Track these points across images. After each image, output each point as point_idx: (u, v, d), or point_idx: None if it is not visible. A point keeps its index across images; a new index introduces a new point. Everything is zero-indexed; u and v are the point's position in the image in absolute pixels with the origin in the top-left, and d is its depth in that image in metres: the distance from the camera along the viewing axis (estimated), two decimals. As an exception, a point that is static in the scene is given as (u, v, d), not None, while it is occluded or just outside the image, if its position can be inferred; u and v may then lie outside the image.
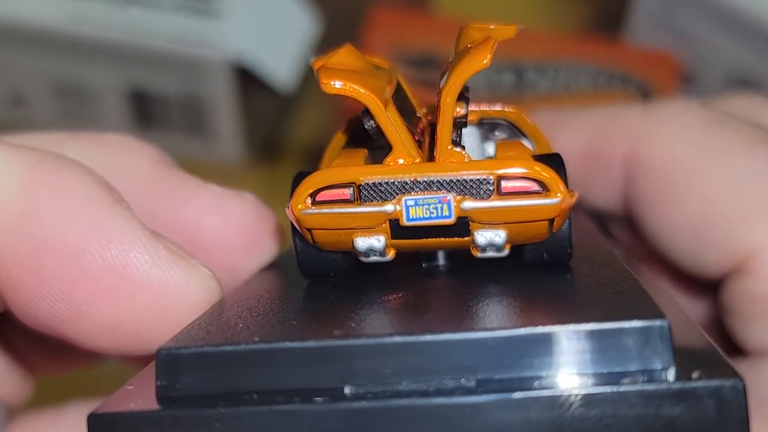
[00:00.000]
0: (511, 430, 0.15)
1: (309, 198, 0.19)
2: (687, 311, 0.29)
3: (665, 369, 0.16)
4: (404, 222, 0.19)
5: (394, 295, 0.20)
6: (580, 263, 0.20)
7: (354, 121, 0.22)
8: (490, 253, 0.19)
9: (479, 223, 0.19)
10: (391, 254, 0.20)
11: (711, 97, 0.30)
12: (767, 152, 0.25)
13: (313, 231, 0.20)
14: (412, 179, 0.19)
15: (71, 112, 0.56)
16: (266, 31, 0.52)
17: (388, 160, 0.19)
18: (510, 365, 0.16)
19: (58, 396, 0.28)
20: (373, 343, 0.16)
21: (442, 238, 0.19)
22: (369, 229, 0.19)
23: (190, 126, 0.55)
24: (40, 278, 0.20)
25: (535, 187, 0.19)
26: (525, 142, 0.22)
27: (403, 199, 0.19)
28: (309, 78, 0.56)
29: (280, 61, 0.53)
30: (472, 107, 0.22)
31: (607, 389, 0.15)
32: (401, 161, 0.19)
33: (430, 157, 0.20)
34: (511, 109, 0.23)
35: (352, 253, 0.20)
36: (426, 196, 0.19)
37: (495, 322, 0.17)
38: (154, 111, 0.55)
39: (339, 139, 0.23)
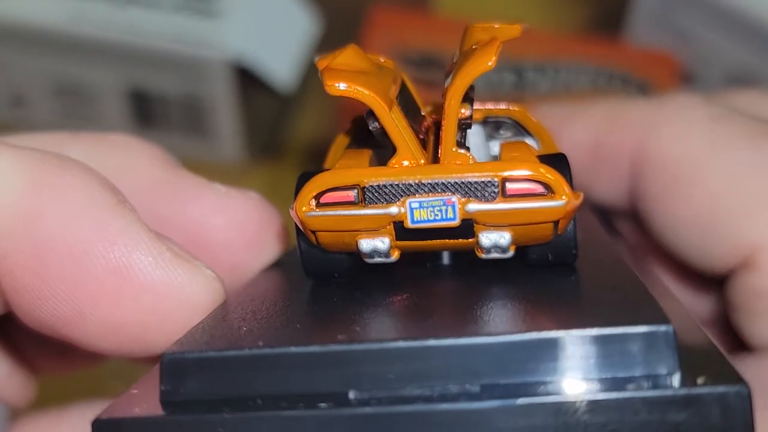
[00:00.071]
0: None
1: (313, 200, 0.19)
2: (692, 307, 0.29)
3: (670, 374, 0.16)
4: (409, 224, 0.19)
5: (399, 297, 0.20)
6: (584, 264, 0.20)
7: (358, 119, 0.22)
8: (495, 255, 0.19)
9: (484, 225, 0.19)
10: (395, 255, 0.20)
11: (715, 93, 0.30)
12: None
13: (318, 233, 0.20)
14: (417, 181, 0.19)
15: (71, 112, 0.56)
16: (266, 31, 0.52)
17: (392, 162, 0.19)
18: (514, 370, 0.16)
19: (61, 395, 0.28)
20: (378, 348, 0.16)
21: (447, 240, 0.19)
22: (373, 231, 0.19)
23: (190, 126, 0.55)
24: (43, 280, 0.20)
25: (540, 189, 0.19)
26: (530, 141, 0.22)
27: (408, 201, 0.19)
28: (309, 78, 0.56)
29: (280, 61, 0.53)
30: (477, 105, 0.22)
31: (612, 395, 0.15)
32: (406, 163, 0.19)
33: (435, 158, 0.20)
34: (515, 107, 0.23)
35: (356, 254, 0.20)
36: (431, 199, 0.19)
37: (499, 327, 0.17)
38: (154, 111, 0.55)
39: (343, 137, 0.23)
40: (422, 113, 0.22)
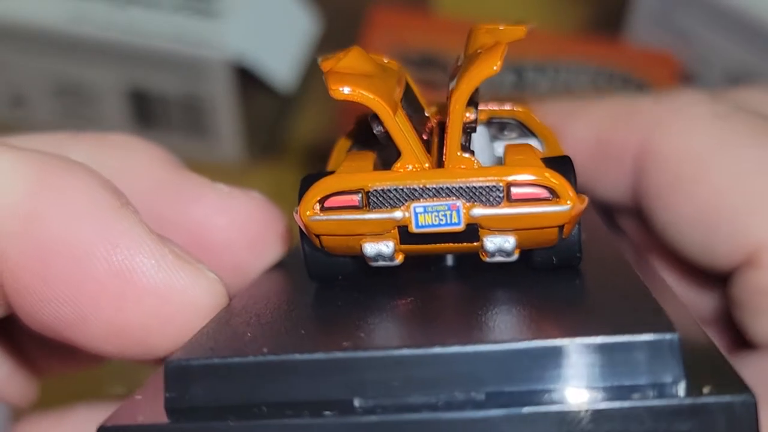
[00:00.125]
0: None
1: (317, 204, 0.19)
2: (695, 304, 0.29)
3: (675, 383, 0.16)
4: (413, 229, 0.19)
5: (403, 301, 0.20)
6: (589, 267, 0.20)
7: (362, 119, 0.22)
8: (499, 258, 0.19)
9: (488, 229, 0.19)
10: (399, 259, 0.20)
11: (719, 90, 0.30)
12: None
13: (322, 236, 0.19)
14: (421, 186, 0.19)
15: (71, 112, 0.56)
16: (266, 31, 0.52)
17: (396, 166, 0.19)
18: (519, 378, 0.16)
19: (61, 395, 0.27)
20: (383, 355, 0.16)
21: (451, 244, 0.19)
22: (378, 235, 0.19)
23: (190, 126, 0.55)
24: (45, 282, 0.19)
25: (545, 194, 0.18)
26: (534, 142, 0.22)
27: (412, 206, 0.19)
28: (309, 78, 0.56)
29: (280, 61, 0.52)
30: (481, 107, 0.22)
31: (617, 405, 0.15)
32: (410, 167, 0.19)
33: (439, 162, 0.20)
34: (520, 108, 0.23)
35: (360, 257, 0.20)
36: (435, 203, 0.19)
37: (504, 334, 0.17)
38: (154, 111, 0.55)
39: (346, 138, 0.22)
40: (426, 114, 0.22)
